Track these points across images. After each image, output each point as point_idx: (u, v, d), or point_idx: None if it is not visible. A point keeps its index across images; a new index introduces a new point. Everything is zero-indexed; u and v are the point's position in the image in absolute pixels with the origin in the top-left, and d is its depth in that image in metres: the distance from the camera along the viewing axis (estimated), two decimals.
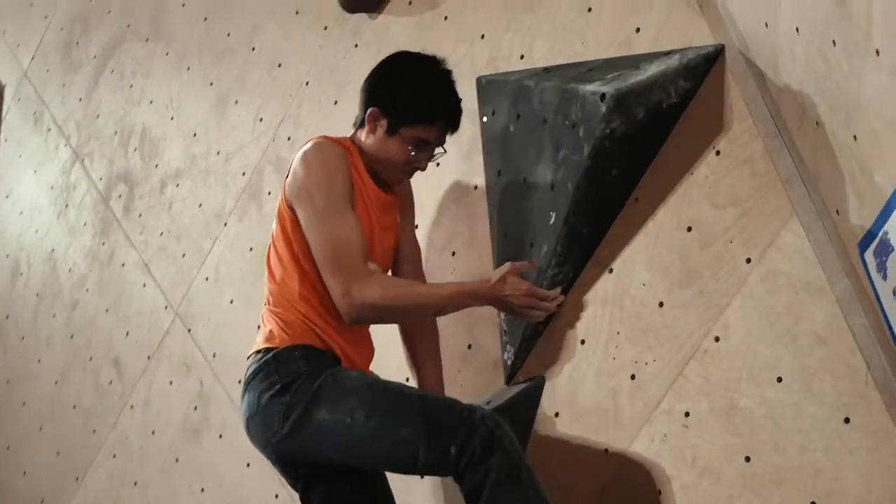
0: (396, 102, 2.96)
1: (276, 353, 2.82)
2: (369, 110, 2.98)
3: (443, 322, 3.25)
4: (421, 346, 3.16)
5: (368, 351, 3.03)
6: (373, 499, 2.94)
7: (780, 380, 2.52)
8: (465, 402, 2.71)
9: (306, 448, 2.76)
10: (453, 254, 3.34)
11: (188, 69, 4.58)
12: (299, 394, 2.74)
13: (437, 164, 3.19)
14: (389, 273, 3.10)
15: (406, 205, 3.19)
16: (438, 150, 3.03)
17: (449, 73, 3.01)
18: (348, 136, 3.07)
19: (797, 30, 2.26)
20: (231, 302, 4.08)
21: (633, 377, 2.82)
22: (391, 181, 3.07)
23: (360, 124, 3.04)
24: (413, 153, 2.97)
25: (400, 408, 2.69)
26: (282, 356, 2.81)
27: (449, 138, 3.04)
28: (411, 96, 2.95)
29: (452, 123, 3.00)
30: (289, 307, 2.89)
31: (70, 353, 4.82)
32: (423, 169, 3.05)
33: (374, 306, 2.78)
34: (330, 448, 2.73)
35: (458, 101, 3.01)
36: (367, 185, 2.99)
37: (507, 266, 2.88)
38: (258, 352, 2.88)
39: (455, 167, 3.37)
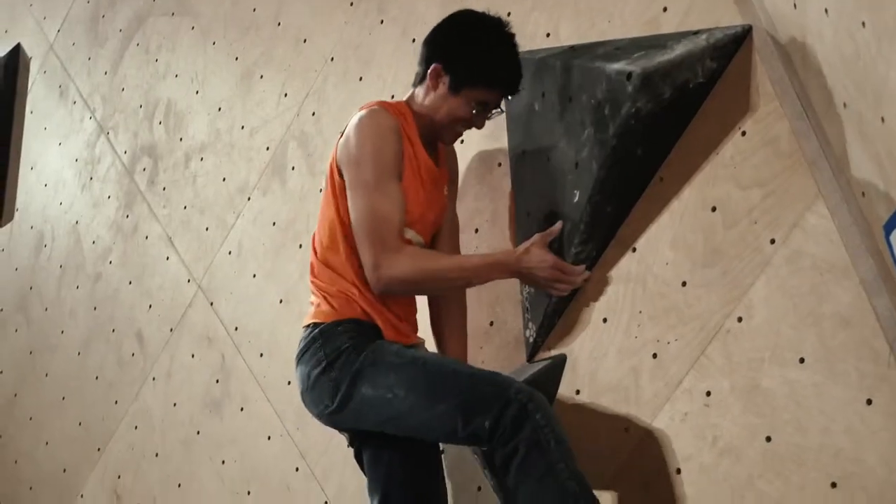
0: (463, 61, 2.98)
1: (321, 329, 2.91)
2: (433, 66, 3.00)
3: (466, 298, 3.27)
4: (448, 321, 3.20)
5: (411, 314, 3.09)
6: (417, 465, 2.99)
7: (802, 360, 2.53)
8: (502, 375, 2.76)
9: (355, 420, 2.88)
10: (476, 231, 3.34)
11: (213, 44, 4.59)
12: (344, 370, 2.83)
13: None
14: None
15: (453, 179, 3.23)
16: (495, 110, 3.06)
17: (513, 36, 3.02)
18: (405, 98, 3.09)
19: (826, 11, 2.26)
20: (254, 276, 4.10)
21: (654, 356, 2.83)
22: (446, 139, 3.11)
23: (419, 81, 3.07)
24: (474, 112, 3.00)
25: (436, 384, 2.74)
26: (326, 332, 2.90)
27: None
28: (478, 57, 2.98)
29: (514, 88, 3.03)
30: (331, 279, 2.98)
31: (93, 324, 4.85)
32: (480, 128, 3.08)
33: (401, 280, 2.85)
34: (375, 420, 2.84)
35: (520, 65, 3.02)
36: (419, 156, 3.03)
37: (535, 237, 2.91)
38: (307, 326, 2.97)
39: (479, 144, 3.37)
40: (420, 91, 3.06)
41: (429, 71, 3.01)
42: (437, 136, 3.09)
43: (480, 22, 3.04)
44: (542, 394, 2.75)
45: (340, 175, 2.97)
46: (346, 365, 2.83)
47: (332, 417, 2.90)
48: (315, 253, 3.05)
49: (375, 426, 2.87)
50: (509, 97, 3.06)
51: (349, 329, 2.90)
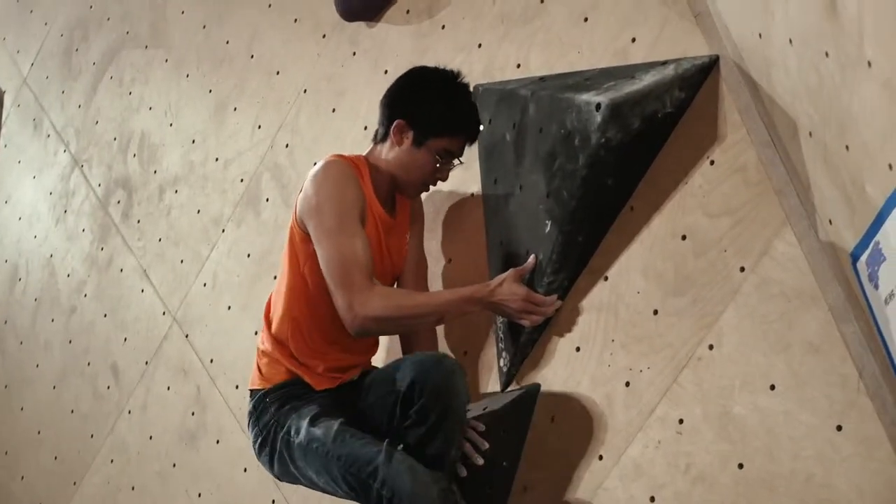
0: (425, 114, 3.07)
1: (255, 402, 3.11)
2: (395, 122, 3.07)
3: (439, 328, 3.28)
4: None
5: (352, 358, 3.15)
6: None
7: (772, 387, 2.54)
8: (373, 456, 2.81)
9: (298, 484, 3.10)
10: (450, 261, 3.36)
11: (187, 76, 4.60)
12: (274, 445, 3.02)
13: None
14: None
15: (416, 220, 3.28)
16: (456, 161, 3.12)
17: (468, 86, 3.11)
18: (363, 153, 3.15)
19: (790, 41, 2.28)
20: (229, 308, 4.10)
21: (627, 384, 2.84)
22: (409, 194, 3.18)
23: (381, 138, 3.13)
24: (438, 164, 3.07)
25: (330, 473, 2.89)
26: (259, 406, 3.09)
27: None
28: (440, 108, 3.06)
29: (474, 135, 3.14)
30: (264, 339, 3.16)
31: (68, 358, 4.84)
32: (445, 179, 3.14)
33: (375, 318, 2.90)
34: (313, 488, 3.06)
35: (478, 113, 3.12)
36: (374, 208, 3.07)
37: (509, 272, 2.94)
38: (250, 390, 3.17)
39: (452, 175, 3.37)
40: (383, 148, 3.13)
41: (392, 127, 3.08)
42: (401, 191, 3.16)
43: (437, 75, 3.13)
44: (515, 423, 2.83)
45: (303, 230, 3.03)
46: (273, 442, 3.02)
47: (280, 480, 3.15)
48: (266, 309, 3.19)
49: (317, 491, 3.06)
50: (469, 145, 3.12)
51: (276, 398, 3.06)
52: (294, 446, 2.96)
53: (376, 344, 3.26)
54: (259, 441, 3.07)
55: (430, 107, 3.06)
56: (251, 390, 3.15)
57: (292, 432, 2.97)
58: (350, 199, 2.99)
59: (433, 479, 2.78)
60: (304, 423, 2.96)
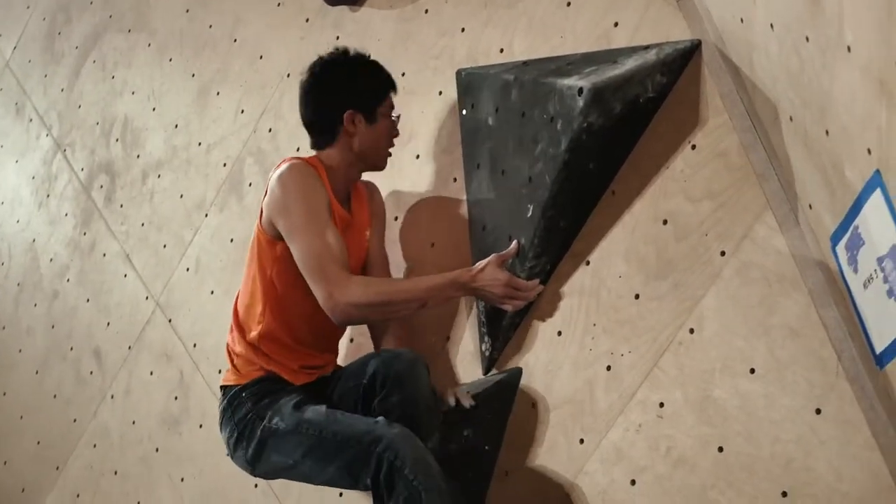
0: (363, 93, 3.20)
1: (230, 398, 3.13)
2: (345, 115, 3.16)
3: (421, 314, 3.28)
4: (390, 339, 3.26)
5: (319, 356, 3.22)
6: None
7: (752, 371, 2.56)
8: (371, 427, 2.83)
9: (275, 476, 3.15)
10: (432, 245, 3.36)
11: (170, 60, 4.59)
12: (251, 439, 3.03)
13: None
14: None
15: (376, 217, 3.34)
16: (394, 114, 3.27)
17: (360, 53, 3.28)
18: (319, 154, 3.22)
19: (771, 26, 2.29)
20: (211, 293, 4.09)
21: (608, 368, 2.85)
22: (382, 165, 3.27)
23: (328, 142, 3.20)
24: (392, 124, 3.24)
25: (322, 448, 2.90)
26: (234, 400, 3.11)
27: (432, 131, 3.29)
28: (368, 81, 3.22)
29: (395, 85, 3.29)
30: (237, 340, 3.19)
31: (50, 343, 4.83)
32: (397, 135, 3.29)
33: (357, 304, 2.92)
34: (290, 478, 3.10)
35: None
36: (333, 207, 3.11)
37: (491, 258, 2.95)
38: (221, 388, 3.21)
39: (435, 160, 3.39)
40: (333, 149, 3.20)
41: (344, 123, 3.16)
42: (374, 167, 3.27)
43: (341, 60, 3.23)
44: (496, 408, 2.85)
45: (270, 234, 3.09)
46: (252, 435, 3.03)
47: (257, 474, 3.13)
48: (234, 315, 3.23)
49: (293, 480, 3.11)
50: (394, 94, 3.27)
51: (253, 393, 3.09)
52: (279, 433, 2.97)
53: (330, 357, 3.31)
54: (235, 437, 3.08)
55: (362, 85, 3.20)
56: (224, 387, 3.18)
57: (275, 420, 2.99)
58: (318, 196, 3.06)
59: (430, 453, 2.82)
60: (288, 410, 2.98)
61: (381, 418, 2.85)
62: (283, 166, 3.12)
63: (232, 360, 3.20)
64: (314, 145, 3.24)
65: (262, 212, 3.11)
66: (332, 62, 3.23)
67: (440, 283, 2.99)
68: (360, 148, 3.18)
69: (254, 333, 3.14)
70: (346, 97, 3.18)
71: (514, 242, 2.96)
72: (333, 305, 2.92)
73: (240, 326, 3.20)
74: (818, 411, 2.44)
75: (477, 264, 2.98)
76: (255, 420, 3.03)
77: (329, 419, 2.92)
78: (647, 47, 2.85)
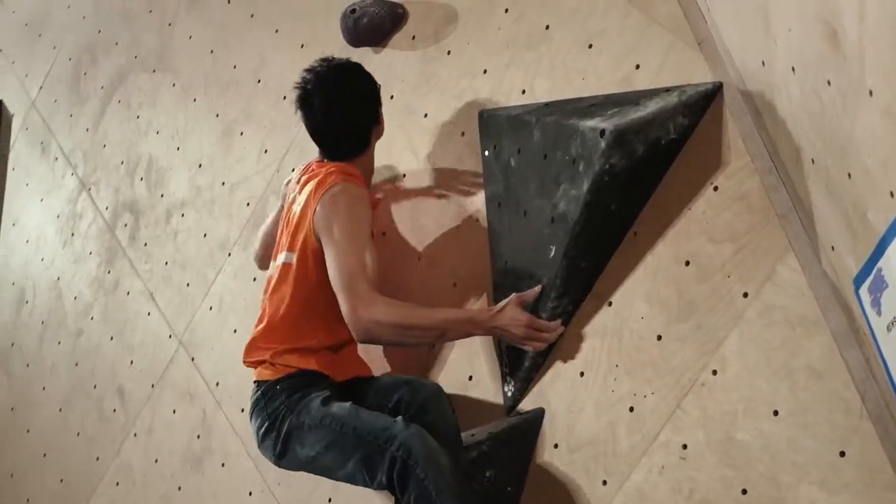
0: (377, 105, 3.34)
1: (263, 391, 3.19)
2: (374, 128, 3.32)
3: (444, 353, 3.29)
4: None
5: (352, 365, 3.30)
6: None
7: (776, 413, 2.55)
8: (389, 425, 2.92)
9: (298, 468, 3.18)
10: (454, 285, 3.37)
11: (194, 100, 4.63)
12: (281, 429, 3.10)
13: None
14: None
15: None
16: None
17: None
18: (347, 164, 3.28)
19: (793, 69, 2.30)
20: (234, 331, 4.11)
21: (631, 409, 2.85)
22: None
23: (361, 150, 3.33)
24: None
25: (343, 442, 2.98)
26: (268, 392, 3.17)
27: (454, 172, 3.33)
28: (375, 91, 3.35)
29: None
30: (279, 337, 3.24)
31: (74, 380, 4.85)
32: None
33: (378, 322, 2.97)
34: (311, 471, 3.15)
35: None
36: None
37: (511, 297, 2.97)
38: (255, 383, 3.25)
39: (457, 200, 3.40)
40: (362, 161, 3.34)
41: (373, 135, 3.33)
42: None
43: (358, 68, 3.37)
44: (519, 449, 2.88)
45: (318, 240, 3.14)
46: (282, 425, 3.10)
47: (281, 465, 3.18)
48: (270, 315, 3.27)
49: (315, 474, 3.16)
50: None
51: (286, 387, 3.15)
52: (305, 426, 3.05)
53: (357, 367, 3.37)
54: (265, 427, 3.14)
55: (375, 97, 3.34)
56: (258, 381, 3.23)
57: (303, 414, 3.07)
58: (364, 217, 3.15)
59: (444, 452, 2.88)
60: (316, 404, 3.06)
61: (399, 418, 2.93)
62: (338, 186, 3.16)
63: (267, 359, 3.23)
64: (338, 156, 3.31)
65: (312, 221, 3.15)
66: (355, 70, 3.33)
67: (460, 317, 3.06)
68: (373, 154, 3.36)
69: (299, 332, 3.21)
70: (375, 107, 3.31)
71: (538, 287, 2.97)
72: (356, 321, 2.97)
73: (275, 325, 3.24)
74: (842, 454, 2.43)
75: (498, 305, 2.99)
76: (285, 412, 3.11)
77: (351, 415, 3.00)
78: (668, 89, 2.86)
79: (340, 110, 3.27)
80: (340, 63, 3.35)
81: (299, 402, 3.10)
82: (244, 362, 3.32)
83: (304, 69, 3.35)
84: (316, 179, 3.23)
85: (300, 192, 3.29)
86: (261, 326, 3.30)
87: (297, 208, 3.25)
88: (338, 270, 3.04)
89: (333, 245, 3.08)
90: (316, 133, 3.33)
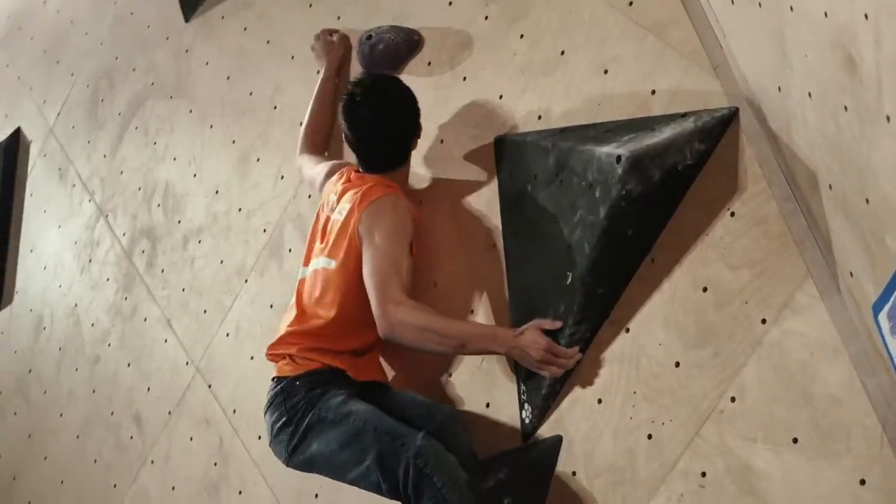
0: (418, 119, 3.42)
1: (283, 386, 3.24)
2: (413, 141, 3.43)
3: (462, 380, 3.29)
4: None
5: (373, 369, 3.38)
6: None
7: (795, 441, 2.53)
8: (408, 431, 2.98)
9: (309, 467, 3.20)
10: (471, 312, 3.36)
11: (211, 127, 4.64)
12: (299, 424, 3.15)
13: None
14: None
15: None
16: None
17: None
18: (383, 177, 3.39)
19: (809, 94, 2.29)
20: (251, 358, 4.10)
21: (649, 437, 2.83)
22: None
23: (399, 164, 3.44)
24: None
25: (361, 441, 3.01)
26: (287, 388, 3.22)
27: (470, 198, 3.38)
28: (417, 106, 3.43)
29: None
30: (311, 333, 3.29)
31: (91, 407, 4.85)
32: None
33: (404, 322, 3.06)
34: (322, 470, 3.17)
35: None
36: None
37: (533, 322, 2.99)
38: (273, 379, 3.30)
39: (473, 226, 3.40)
40: (400, 174, 3.44)
41: (412, 147, 3.44)
42: None
43: (400, 83, 3.45)
44: (537, 476, 2.87)
45: (360, 242, 3.24)
46: (300, 421, 3.15)
47: (291, 463, 3.21)
48: (311, 318, 3.31)
49: (324, 475, 3.18)
50: None
51: (307, 382, 3.20)
52: (326, 420, 3.10)
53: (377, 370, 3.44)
54: (282, 422, 3.18)
55: (418, 111, 3.42)
56: (278, 378, 3.27)
57: (323, 409, 3.12)
58: (405, 228, 3.26)
59: (460, 466, 2.92)
60: (337, 401, 3.12)
61: (422, 430, 2.97)
62: (384, 199, 3.27)
63: (290, 354, 3.28)
64: (378, 167, 3.41)
65: (357, 225, 3.24)
66: (400, 85, 3.43)
67: (483, 332, 3.10)
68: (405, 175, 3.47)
69: (337, 328, 3.27)
70: (417, 121, 3.41)
71: (559, 322, 2.96)
72: (384, 317, 3.07)
73: (323, 337, 3.28)
74: (862, 482, 2.40)
75: (520, 328, 2.99)
76: (305, 407, 3.15)
77: (373, 414, 3.07)
78: (684, 115, 2.85)
79: (386, 122, 3.37)
80: (386, 77, 3.49)
81: (320, 399, 3.15)
82: (267, 355, 3.37)
83: (351, 81, 3.46)
84: (358, 191, 3.32)
85: (338, 201, 3.38)
86: (295, 326, 3.33)
87: (337, 217, 3.34)
88: (372, 270, 3.15)
89: (372, 249, 3.18)
90: (360, 143, 3.42)
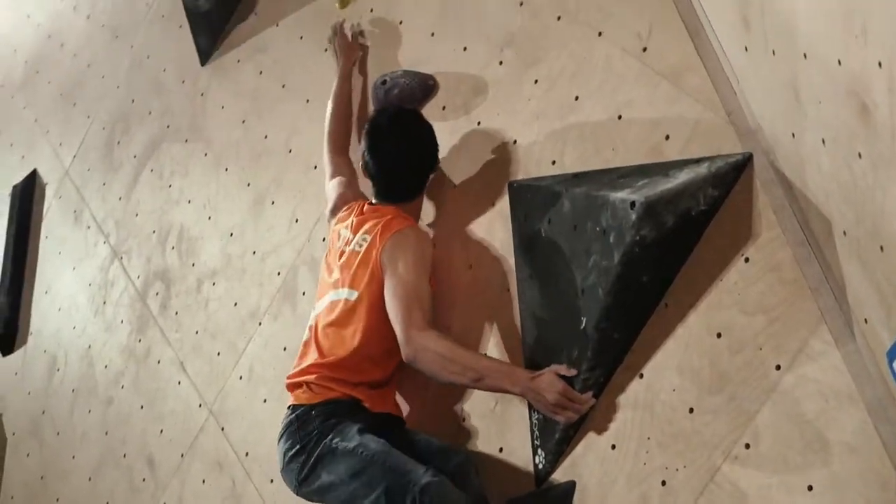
0: (437, 153, 3.53)
1: (299, 414, 3.28)
2: (431, 178, 3.54)
3: (475, 423, 3.28)
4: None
5: (389, 401, 3.42)
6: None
7: (810, 488, 2.52)
8: (417, 467, 3.01)
9: (318, 496, 3.23)
10: (485, 354, 3.36)
11: (226, 170, 4.66)
12: (311, 453, 3.18)
13: None
14: None
15: None
16: None
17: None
18: (399, 209, 3.48)
19: (823, 141, 2.29)
20: (264, 401, 4.10)
21: (663, 483, 2.82)
22: None
23: (413, 196, 3.55)
24: None
25: (369, 472, 3.05)
26: (302, 416, 3.26)
27: (484, 242, 3.38)
28: (436, 140, 3.53)
29: None
30: (331, 365, 3.31)
31: (104, 449, 4.85)
32: None
33: (427, 349, 3.11)
34: (331, 500, 3.19)
35: None
36: None
37: (550, 367, 2.99)
38: (289, 407, 3.35)
39: (487, 270, 3.40)
40: (413, 206, 3.56)
41: (429, 183, 3.55)
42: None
43: (418, 121, 3.55)
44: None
45: (382, 272, 3.30)
46: (314, 449, 3.18)
47: (301, 492, 3.25)
48: (332, 351, 3.33)
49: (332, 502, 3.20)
50: None
51: (321, 413, 3.24)
52: (338, 451, 3.12)
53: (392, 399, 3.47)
54: (295, 450, 3.21)
55: (437, 145, 3.52)
56: (294, 405, 3.32)
57: (336, 440, 3.15)
58: (427, 258, 3.34)
59: (466, 500, 2.96)
60: (352, 433, 3.15)
61: (430, 467, 3.00)
62: (406, 230, 3.36)
63: (307, 382, 3.32)
64: (396, 197, 3.51)
65: (381, 257, 3.30)
66: (423, 118, 3.54)
67: (501, 369, 3.10)
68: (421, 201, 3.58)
69: (356, 360, 3.30)
70: (436, 154, 3.51)
71: (574, 370, 2.96)
72: (408, 342, 3.13)
73: (344, 369, 3.31)
74: None
75: (537, 371, 3.00)
76: (318, 436, 3.19)
77: (384, 449, 3.09)
78: (698, 160, 2.86)
79: (409, 153, 3.48)
80: (410, 110, 3.61)
81: (334, 428, 3.18)
82: (287, 384, 3.41)
83: (377, 111, 3.59)
84: (377, 223, 3.40)
85: (354, 233, 3.45)
86: (313, 359, 3.37)
87: (356, 248, 3.40)
88: (397, 296, 3.21)
89: (395, 278, 3.25)
90: (381, 171, 3.50)
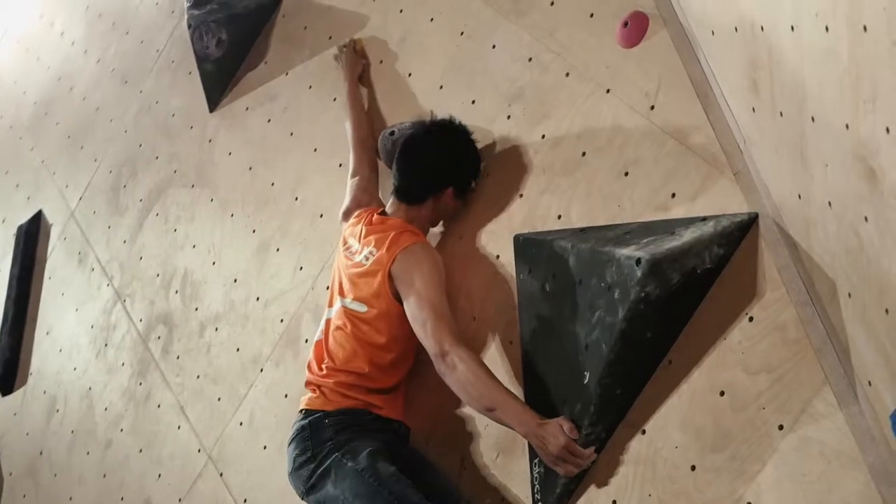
0: (466, 174, 3.59)
1: (311, 420, 3.34)
2: (448, 191, 3.54)
3: (476, 474, 3.28)
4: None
5: (400, 403, 3.48)
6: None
7: None
8: (420, 500, 3.08)
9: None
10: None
11: (231, 216, 4.68)
12: (321, 463, 3.24)
13: None
14: None
15: None
16: None
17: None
18: (402, 215, 3.55)
19: (829, 204, 2.31)
20: (265, 448, 4.10)
21: None
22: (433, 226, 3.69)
23: (418, 200, 3.55)
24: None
25: (373, 499, 3.10)
26: (315, 423, 3.32)
27: (488, 294, 3.43)
28: (474, 162, 3.60)
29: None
30: (334, 373, 3.39)
31: (102, 492, 4.83)
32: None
33: (463, 361, 3.14)
34: None
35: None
36: None
37: (558, 419, 2.98)
38: (301, 411, 3.41)
39: (491, 323, 3.41)
40: (422, 208, 3.56)
41: (443, 195, 3.55)
42: (431, 226, 3.67)
43: (462, 135, 3.59)
44: None
45: (394, 296, 3.36)
46: (324, 460, 3.23)
47: (307, 498, 3.30)
48: (343, 363, 3.39)
49: None
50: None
51: (334, 423, 3.30)
52: (347, 469, 3.17)
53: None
54: (306, 456, 3.27)
55: (468, 166, 3.58)
56: (307, 410, 3.38)
57: (347, 457, 3.20)
58: (441, 275, 3.38)
59: None
60: (364, 454, 3.18)
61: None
62: (415, 245, 3.40)
63: (320, 386, 3.39)
64: (414, 196, 3.55)
65: (390, 273, 3.36)
66: (457, 131, 3.59)
67: (515, 407, 3.08)
68: (442, 213, 3.61)
69: (375, 384, 3.38)
70: (456, 173, 3.55)
71: (576, 432, 2.96)
72: (445, 357, 3.15)
73: (355, 377, 3.37)
74: None
75: (546, 420, 3.00)
76: (331, 448, 3.24)
77: (393, 478, 3.13)
78: (704, 219, 2.88)
79: (449, 150, 3.55)
80: (451, 125, 3.63)
81: (347, 444, 3.23)
82: (307, 381, 3.47)
83: (419, 120, 3.74)
84: (385, 237, 3.44)
85: (360, 243, 3.51)
86: (328, 363, 3.42)
87: (362, 259, 3.47)
88: (422, 312, 3.25)
89: (415, 294, 3.30)
90: (411, 164, 3.58)
